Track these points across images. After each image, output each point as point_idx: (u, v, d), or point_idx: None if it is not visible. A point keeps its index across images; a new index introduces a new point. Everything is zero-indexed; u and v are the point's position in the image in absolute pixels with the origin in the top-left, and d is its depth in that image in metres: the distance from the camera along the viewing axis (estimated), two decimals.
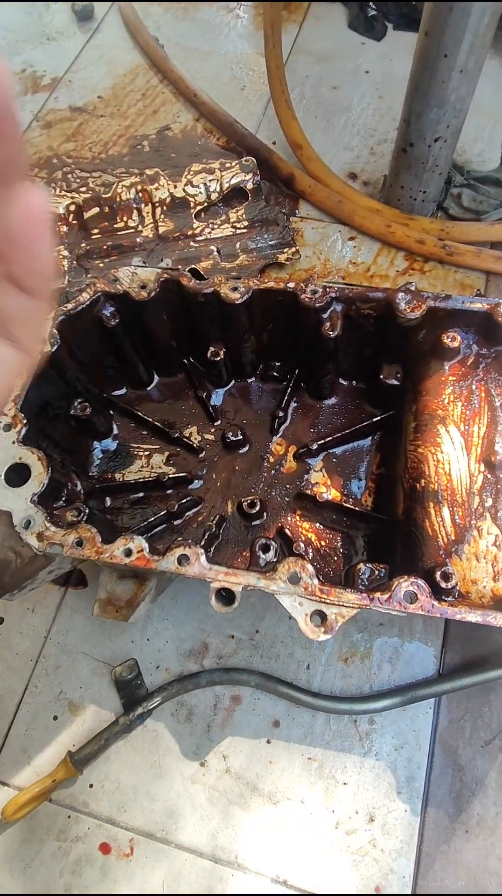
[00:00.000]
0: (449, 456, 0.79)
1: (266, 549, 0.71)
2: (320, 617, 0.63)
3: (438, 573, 0.66)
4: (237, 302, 0.84)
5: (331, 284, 0.84)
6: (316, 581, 0.64)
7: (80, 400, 0.90)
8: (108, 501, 0.92)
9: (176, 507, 0.88)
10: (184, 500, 0.90)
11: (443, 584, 0.66)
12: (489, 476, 0.76)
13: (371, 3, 1.67)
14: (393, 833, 0.75)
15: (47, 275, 0.28)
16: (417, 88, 1.03)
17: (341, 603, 0.63)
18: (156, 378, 1.03)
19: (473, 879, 0.73)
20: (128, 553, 0.65)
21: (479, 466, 0.77)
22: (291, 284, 0.85)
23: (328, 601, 0.63)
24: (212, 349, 0.95)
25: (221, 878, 0.73)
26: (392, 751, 0.79)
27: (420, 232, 1.21)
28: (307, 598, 0.63)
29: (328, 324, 0.85)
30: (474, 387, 0.83)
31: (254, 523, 0.91)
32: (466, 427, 0.80)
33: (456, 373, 0.84)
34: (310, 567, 0.64)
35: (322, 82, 1.55)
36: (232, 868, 0.74)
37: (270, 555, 0.70)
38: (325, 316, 0.85)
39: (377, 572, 0.77)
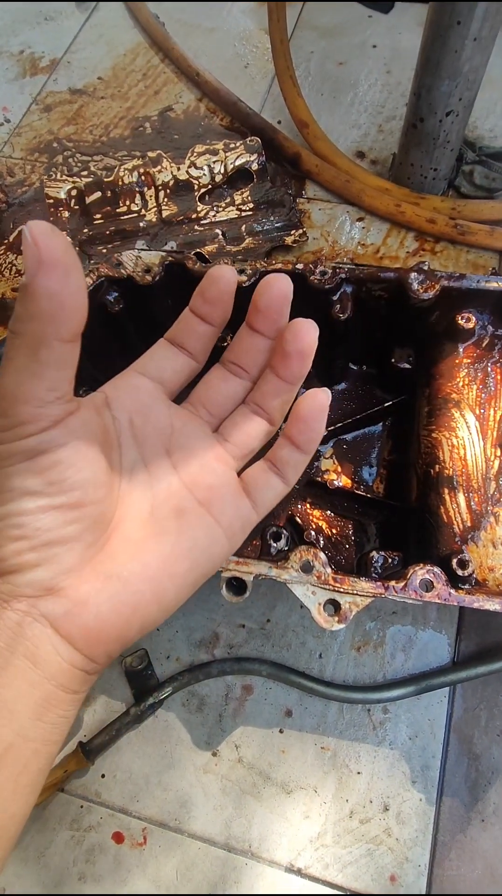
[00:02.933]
0: (464, 440, 0.76)
1: (277, 537, 0.69)
2: (333, 606, 0.61)
3: (454, 560, 0.65)
4: (244, 285, 0.81)
5: (340, 265, 0.82)
6: (329, 569, 0.62)
7: (84, 388, 0.88)
8: None
9: None
10: None
11: (460, 572, 0.64)
12: None
13: None
14: (408, 822, 0.74)
15: (316, 441, 0.44)
16: (428, 59, 0.99)
17: (355, 592, 0.61)
18: None
19: (490, 868, 0.72)
20: None
21: (495, 451, 0.75)
22: (299, 266, 0.82)
23: (341, 590, 0.61)
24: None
25: (235, 866, 0.73)
26: (406, 740, 0.78)
27: (431, 211, 1.17)
28: (320, 587, 0.61)
29: (338, 306, 0.82)
30: (490, 369, 0.81)
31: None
32: (481, 411, 0.78)
33: (471, 355, 0.82)
34: (322, 555, 0.63)
35: (328, 58, 1.51)
36: (245, 857, 0.73)
37: (281, 543, 0.69)
38: (335, 298, 0.82)
39: (390, 560, 0.76)
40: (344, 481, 0.92)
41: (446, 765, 0.77)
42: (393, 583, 0.61)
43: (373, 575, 0.75)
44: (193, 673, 0.81)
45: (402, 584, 0.61)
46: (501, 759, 0.77)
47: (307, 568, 0.62)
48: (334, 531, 0.88)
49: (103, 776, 0.78)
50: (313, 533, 0.84)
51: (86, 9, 1.66)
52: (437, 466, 0.76)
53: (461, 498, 0.73)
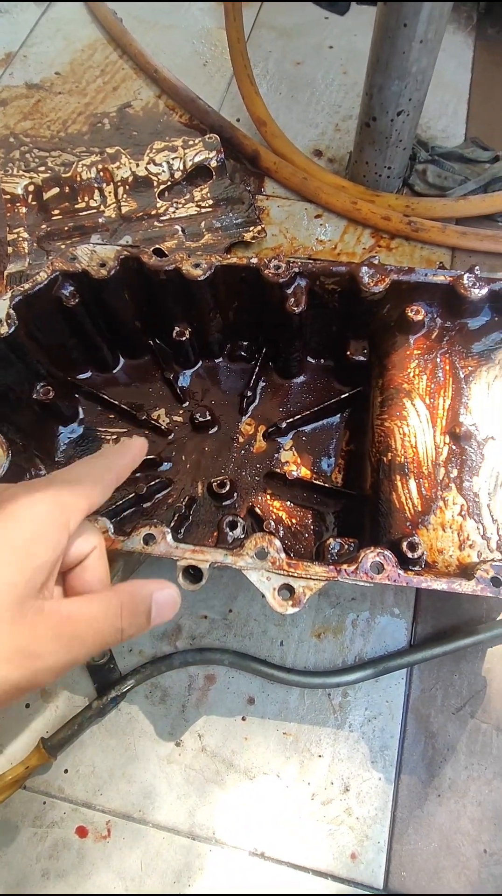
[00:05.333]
0: (415, 429, 0.79)
1: (233, 525, 0.70)
2: (288, 590, 0.62)
3: (404, 543, 0.67)
4: (200, 279, 0.82)
5: (294, 259, 0.83)
6: (283, 555, 0.63)
7: (42, 384, 0.88)
8: None
9: (144, 489, 0.87)
10: (153, 483, 0.89)
11: (410, 554, 0.66)
12: (454, 447, 0.77)
13: None
14: (368, 801, 0.76)
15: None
16: (378, 59, 1.02)
17: (309, 576, 0.63)
18: (121, 360, 1.01)
19: (445, 840, 0.74)
20: None
21: (444, 438, 0.78)
22: (254, 260, 0.84)
23: (295, 575, 0.63)
24: (177, 329, 0.93)
25: (199, 853, 0.73)
26: (365, 722, 0.80)
27: (385, 209, 1.20)
28: (274, 573, 0.63)
29: (292, 299, 0.84)
30: (439, 360, 0.83)
31: (224, 503, 0.90)
32: (431, 400, 0.81)
33: (421, 346, 0.85)
34: (277, 542, 0.64)
35: (285, 58, 1.52)
36: (209, 844, 0.74)
37: (237, 531, 0.70)
38: (289, 291, 0.84)
39: (347, 546, 0.78)
40: (303, 472, 0.93)
41: (404, 744, 0.79)
42: (345, 566, 0.63)
43: (330, 561, 0.77)
44: (156, 665, 0.81)
45: (354, 567, 0.63)
46: (456, 736, 0.79)
47: (262, 554, 0.63)
48: (293, 521, 0.89)
49: (66, 771, 0.78)
50: (272, 523, 0.85)
51: (42, 3, 1.64)
52: (390, 454, 0.78)
53: (412, 484, 0.75)
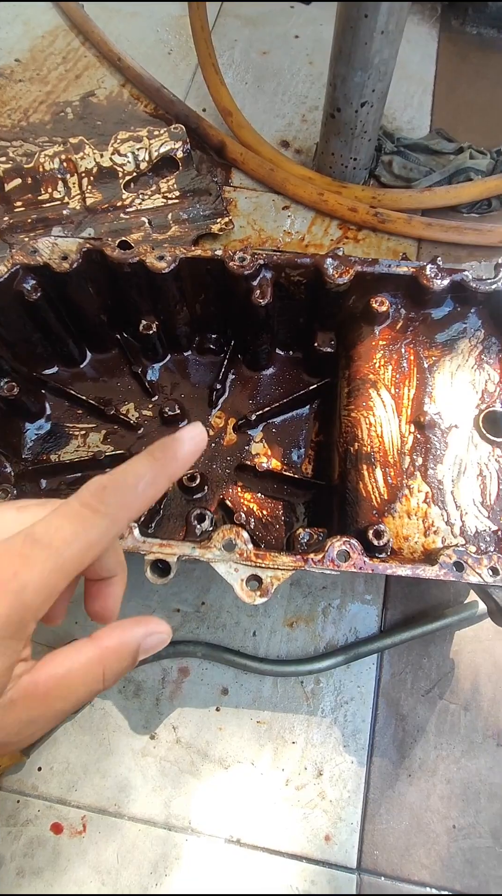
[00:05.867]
0: (381, 419, 0.80)
1: (201, 518, 0.70)
2: (256, 581, 0.63)
3: (370, 532, 0.68)
4: (164, 271, 0.82)
5: (259, 251, 0.83)
6: (250, 546, 0.64)
7: (5, 380, 0.87)
8: (44, 483, 0.89)
9: None
10: None
11: (376, 542, 0.68)
12: (419, 436, 0.78)
13: None
14: (341, 784, 0.78)
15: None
16: (341, 50, 1.02)
17: (276, 566, 0.63)
18: (88, 355, 1.00)
19: (416, 818, 0.76)
20: None
21: (409, 427, 0.79)
22: (219, 252, 0.83)
23: (263, 565, 0.63)
24: (143, 322, 0.92)
25: (175, 843, 0.74)
26: (338, 707, 0.81)
27: (352, 200, 1.21)
28: (242, 564, 0.63)
29: (258, 291, 0.84)
30: (403, 350, 0.84)
31: (195, 497, 0.90)
32: (396, 390, 0.82)
33: (387, 337, 0.86)
34: (244, 533, 0.64)
35: (251, 47, 1.51)
36: (185, 833, 0.75)
37: (205, 524, 0.70)
38: (255, 283, 0.84)
39: (316, 536, 0.79)
40: (273, 464, 0.94)
41: (375, 727, 0.81)
42: (311, 555, 0.64)
43: (299, 551, 0.77)
44: None
45: (320, 556, 0.64)
46: (425, 717, 0.81)
47: (230, 546, 0.64)
48: (265, 512, 0.90)
49: (40, 769, 0.77)
50: (243, 515, 0.86)
51: None
52: (356, 444, 0.79)
53: (378, 473, 0.76)
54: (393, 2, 0.90)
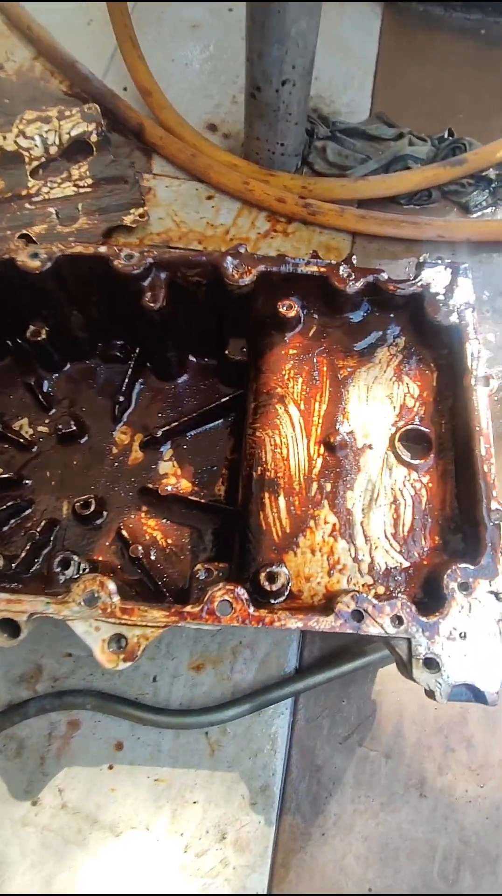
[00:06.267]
0: (288, 439, 0.71)
1: (66, 564, 0.61)
2: (120, 641, 0.54)
3: (263, 575, 0.59)
4: (37, 272, 0.71)
5: (150, 249, 0.73)
6: (116, 598, 0.55)
7: None
8: None
9: None
10: (6, 506, 0.78)
11: (269, 587, 0.59)
12: (328, 458, 0.70)
13: None
14: (247, 848, 0.70)
15: None
16: (253, 19, 0.91)
17: (146, 622, 0.54)
18: None
19: (329, 883, 0.69)
20: None
21: (318, 448, 0.70)
22: (102, 248, 0.73)
23: (130, 622, 0.54)
24: (31, 328, 0.81)
25: None
26: (246, 760, 0.73)
27: (280, 189, 1.11)
28: (105, 622, 0.54)
29: (150, 294, 0.74)
30: (316, 360, 0.75)
31: (93, 524, 0.80)
32: (306, 405, 0.73)
33: (298, 345, 0.76)
34: (110, 584, 0.55)
35: (180, 20, 1.39)
36: None
37: (70, 571, 0.60)
38: (146, 284, 0.74)
39: (216, 573, 0.70)
40: (183, 485, 0.85)
41: (287, 781, 0.73)
42: (188, 608, 0.55)
43: (197, 590, 0.69)
44: (7, 716, 0.71)
45: (198, 608, 0.55)
46: (342, 768, 0.74)
47: (92, 600, 0.54)
48: (169, 541, 0.81)
49: None
50: (141, 548, 0.76)
51: None
52: (259, 468, 0.70)
53: (282, 502, 0.68)
54: None
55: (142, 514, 0.83)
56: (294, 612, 0.56)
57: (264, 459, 0.70)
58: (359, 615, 0.55)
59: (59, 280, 0.74)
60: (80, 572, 0.61)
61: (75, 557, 0.60)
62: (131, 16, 1.24)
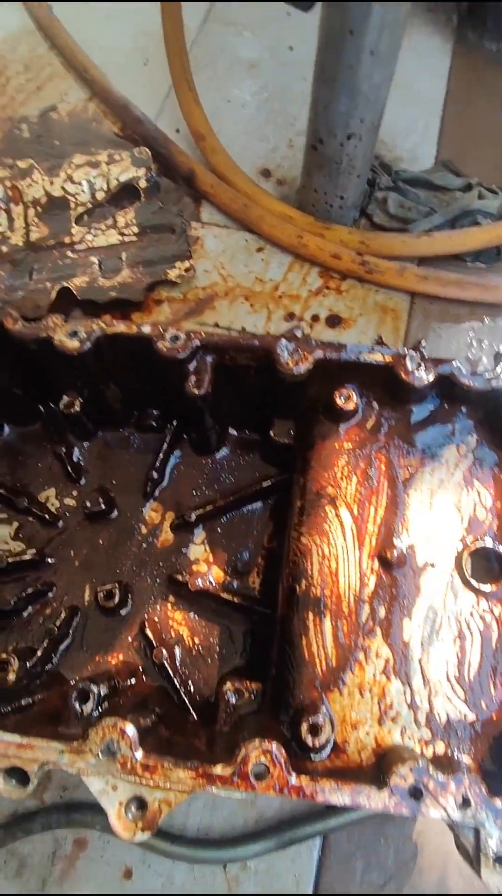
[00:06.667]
0: (338, 549, 0.63)
1: (84, 697, 0.54)
2: (139, 806, 0.47)
3: (305, 726, 0.52)
4: (76, 353, 0.66)
5: (196, 330, 0.67)
6: (139, 754, 0.48)
7: None
8: None
9: (12, 603, 0.71)
10: (25, 593, 0.73)
11: (311, 742, 0.51)
12: (383, 577, 0.62)
13: None
14: None
15: None
16: (323, 71, 0.85)
17: (170, 785, 0.47)
18: (6, 428, 0.84)
19: None
20: None
21: (372, 563, 0.62)
22: (146, 328, 0.67)
23: (152, 783, 0.47)
24: (65, 399, 0.76)
25: None
26: None
27: (337, 244, 1.04)
28: (124, 780, 0.47)
29: (194, 379, 0.67)
30: (373, 457, 0.68)
31: (117, 614, 0.74)
32: (360, 510, 0.65)
33: (354, 438, 0.69)
34: (130, 730, 0.48)
35: (238, 58, 1.35)
36: None
37: (89, 706, 0.54)
38: (191, 368, 0.68)
39: (248, 694, 0.63)
40: (215, 573, 0.78)
41: None
42: (219, 768, 0.48)
43: (225, 713, 0.61)
44: (9, 830, 0.66)
45: (230, 770, 0.48)
46: None
47: (110, 751, 0.48)
48: (197, 641, 0.74)
49: None
50: (166, 652, 0.69)
51: None
52: (304, 582, 0.63)
53: (327, 626, 0.60)
54: (385, 2, 0.72)
55: (169, 606, 0.76)
56: (339, 780, 0.48)
57: (310, 572, 0.63)
58: (417, 793, 0.47)
59: (98, 357, 0.69)
60: (100, 705, 0.54)
61: (94, 688, 0.54)
62: (189, 54, 1.20)
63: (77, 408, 0.76)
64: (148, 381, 0.75)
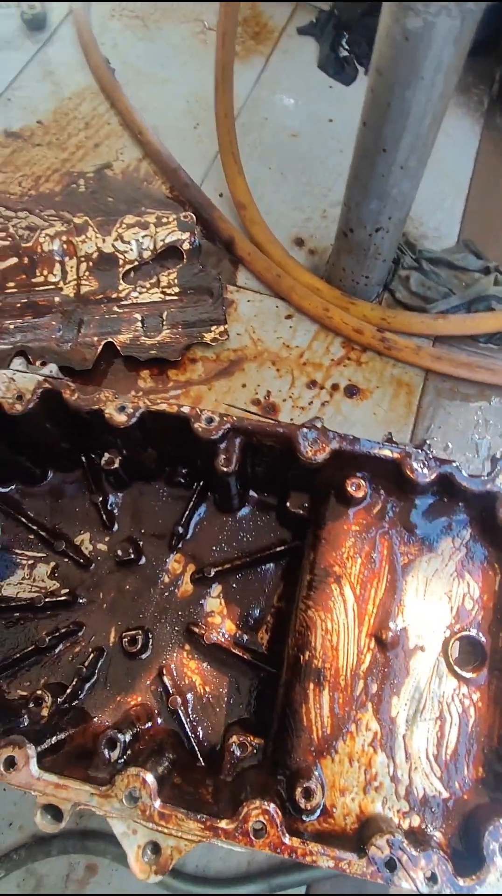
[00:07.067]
0: (340, 625, 0.71)
1: (112, 745, 0.62)
2: (154, 850, 0.55)
3: (299, 789, 0.59)
4: (123, 426, 0.74)
5: (228, 414, 0.75)
6: (157, 803, 0.56)
7: None
8: None
9: (46, 640, 0.79)
10: (58, 632, 0.81)
11: (304, 804, 0.59)
12: (378, 655, 0.69)
13: (344, 43, 1.56)
14: None
15: None
16: (357, 177, 0.94)
17: (181, 833, 0.55)
18: (50, 474, 0.93)
19: None
20: None
21: (369, 642, 0.70)
22: (185, 409, 0.76)
23: (166, 830, 0.55)
24: (107, 456, 0.85)
25: None
26: None
27: (360, 319, 1.12)
28: (142, 825, 0.55)
29: (223, 457, 0.76)
30: (377, 541, 0.75)
31: (138, 658, 0.82)
32: (363, 590, 0.73)
33: (361, 522, 0.77)
34: (151, 781, 0.56)
35: (282, 127, 1.44)
36: None
37: (116, 753, 0.61)
38: (221, 447, 0.76)
39: (251, 749, 0.70)
40: (228, 626, 0.86)
41: None
42: (223, 823, 0.55)
43: (229, 765, 0.69)
44: (31, 851, 0.74)
45: (233, 825, 0.55)
46: None
47: (133, 798, 0.56)
48: (207, 689, 0.82)
49: None
50: (180, 699, 0.77)
51: (38, 40, 1.55)
52: (307, 653, 0.70)
53: (325, 697, 0.67)
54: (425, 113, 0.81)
55: (185, 654, 0.84)
56: (325, 845, 0.55)
57: (313, 645, 0.70)
58: (392, 864, 0.54)
59: (141, 427, 0.77)
60: (125, 753, 0.62)
61: (120, 737, 0.62)
62: (236, 119, 1.29)
63: (116, 465, 0.85)
64: (182, 450, 0.83)
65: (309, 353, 1.13)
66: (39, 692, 0.71)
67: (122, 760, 0.60)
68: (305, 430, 0.75)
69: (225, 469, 0.76)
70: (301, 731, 0.66)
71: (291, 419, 1.05)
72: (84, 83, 1.48)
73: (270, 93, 1.50)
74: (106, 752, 0.61)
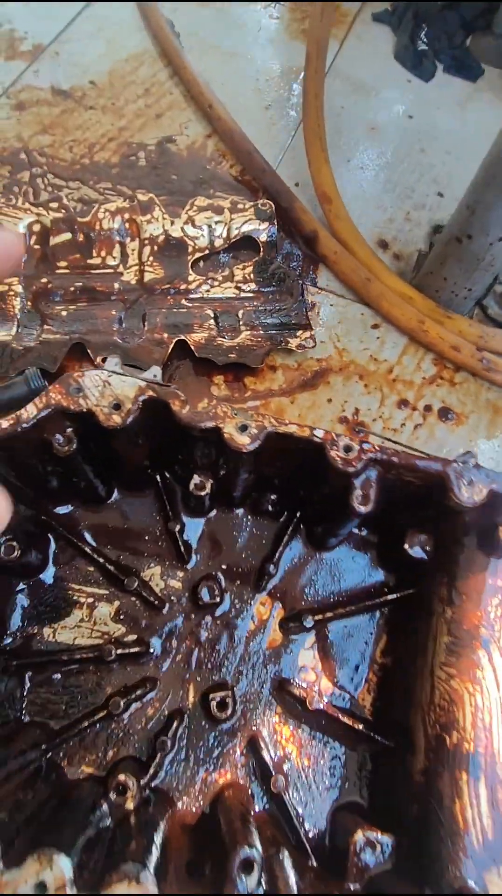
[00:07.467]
0: (492, 702, 0.60)
1: (247, 867, 0.48)
2: None
3: None
4: (245, 449, 0.61)
5: (371, 443, 0.63)
6: None
7: (6, 538, 0.65)
8: (28, 682, 0.68)
9: (121, 705, 0.65)
10: (133, 695, 0.67)
11: None
12: None
13: (423, 37, 1.45)
14: None
15: None
16: (493, 177, 0.83)
17: None
18: (116, 494, 0.79)
19: None
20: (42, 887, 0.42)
21: None
22: (319, 433, 0.63)
23: None
24: (197, 480, 0.71)
25: None
26: None
27: (456, 335, 1.01)
28: None
29: (360, 494, 0.63)
30: None
31: (221, 725, 0.69)
32: None
33: None
34: None
35: (359, 118, 1.33)
36: None
37: (252, 880, 0.48)
38: (357, 483, 0.64)
39: (380, 848, 0.58)
40: (324, 684, 0.73)
41: None
42: None
43: (355, 869, 0.57)
44: None
45: None
46: None
47: None
48: (306, 762, 0.69)
49: None
50: (281, 778, 0.64)
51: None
52: (455, 734, 0.59)
53: (482, 791, 0.56)
54: None
55: (277, 717, 0.71)
56: None
57: (462, 724, 0.59)
58: None
59: (259, 453, 0.64)
60: (262, 876, 0.48)
61: (257, 856, 0.48)
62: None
63: (208, 490, 0.72)
64: (295, 477, 0.71)
65: (398, 369, 1.01)
66: (122, 777, 0.56)
67: (261, 891, 0.46)
68: (460, 466, 0.63)
69: (362, 509, 0.63)
70: (456, 834, 0.54)
71: (382, 442, 0.94)
72: (142, 46, 1.34)
73: (344, 80, 1.38)
74: (241, 877, 0.47)
